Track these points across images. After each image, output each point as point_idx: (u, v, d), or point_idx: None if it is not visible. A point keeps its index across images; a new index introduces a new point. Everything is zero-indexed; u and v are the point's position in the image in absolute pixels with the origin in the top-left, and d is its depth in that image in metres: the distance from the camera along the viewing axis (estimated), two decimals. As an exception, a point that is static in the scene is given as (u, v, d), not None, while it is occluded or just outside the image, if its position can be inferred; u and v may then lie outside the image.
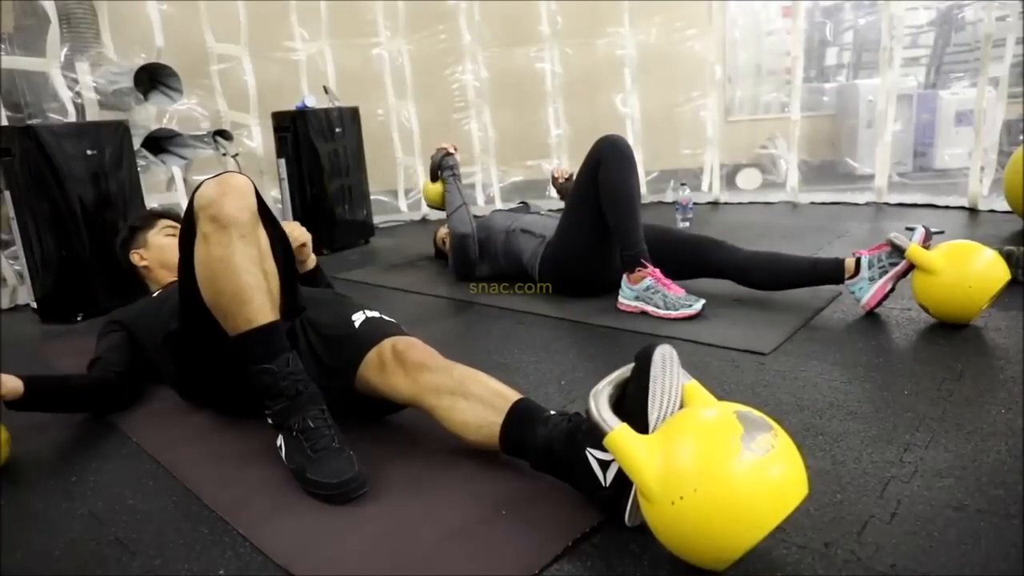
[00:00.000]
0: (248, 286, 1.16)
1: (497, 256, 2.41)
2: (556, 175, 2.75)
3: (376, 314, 1.43)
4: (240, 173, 1.25)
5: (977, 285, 1.64)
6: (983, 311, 1.69)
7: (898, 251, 1.77)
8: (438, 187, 2.51)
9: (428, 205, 2.68)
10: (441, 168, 2.48)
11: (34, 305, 2.50)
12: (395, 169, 4.27)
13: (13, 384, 1.31)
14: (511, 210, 2.72)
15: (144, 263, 1.88)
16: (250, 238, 1.18)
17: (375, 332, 1.34)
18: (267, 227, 1.24)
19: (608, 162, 2.01)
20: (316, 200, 3.37)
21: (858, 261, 1.84)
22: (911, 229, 1.80)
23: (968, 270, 1.65)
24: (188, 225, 1.22)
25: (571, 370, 1.64)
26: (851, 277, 1.85)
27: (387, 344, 1.28)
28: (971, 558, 0.88)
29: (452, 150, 2.55)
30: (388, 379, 1.24)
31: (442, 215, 2.60)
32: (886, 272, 1.80)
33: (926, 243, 1.76)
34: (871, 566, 0.88)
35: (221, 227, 1.15)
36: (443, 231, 2.80)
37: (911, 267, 1.76)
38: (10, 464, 1.33)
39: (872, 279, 1.81)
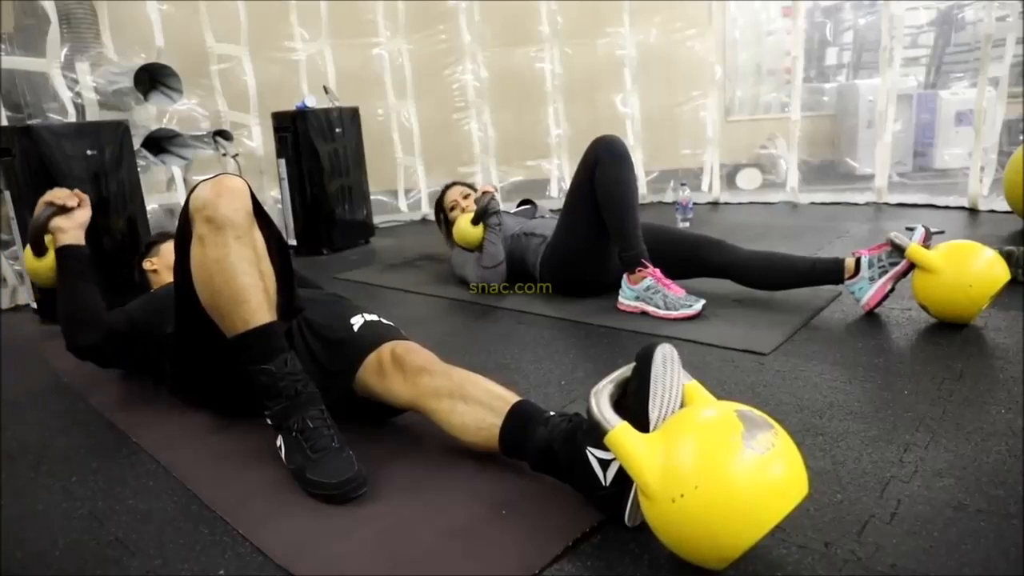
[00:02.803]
0: (245, 287, 1.16)
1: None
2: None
3: (375, 318, 1.43)
4: (235, 175, 1.25)
5: (977, 285, 1.64)
6: (983, 311, 1.69)
7: (898, 251, 1.77)
8: (478, 232, 2.32)
9: (457, 243, 2.44)
10: (487, 214, 2.32)
11: (34, 305, 2.50)
12: (395, 169, 4.27)
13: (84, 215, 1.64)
14: (516, 212, 2.71)
15: (153, 267, 1.93)
16: (246, 239, 1.18)
17: (374, 336, 1.34)
18: (263, 228, 1.24)
19: (605, 163, 2.01)
20: (316, 200, 3.37)
21: (858, 261, 1.84)
22: (911, 229, 1.80)
23: (968, 270, 1.65)
24: (183, 227, 1.22)
25: (571, 370, 1.64)
26: (851, 277, 1.85)
27: (386, 348, 1.29)
28: (971, 558, 0.88)
29: (495, 192, 2.42)
30: (387, 383, 1.25)
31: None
32: (886, 272, 1.80)
33: (926, 243, 1.76)
34: (871, 566, 0.88)
35: (217, 228, 1.16)
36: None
37: (911, 267, 1.76)
38: (10, 464, 1.33)
39: (872, 279, 1.81)
